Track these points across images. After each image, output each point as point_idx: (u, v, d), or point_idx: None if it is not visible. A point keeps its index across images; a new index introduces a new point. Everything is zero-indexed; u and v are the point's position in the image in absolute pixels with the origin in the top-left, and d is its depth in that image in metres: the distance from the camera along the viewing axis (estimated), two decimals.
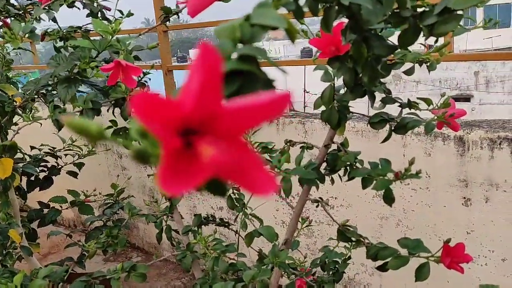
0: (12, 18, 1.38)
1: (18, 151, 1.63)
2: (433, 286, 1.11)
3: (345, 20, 0.60)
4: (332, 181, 0.94)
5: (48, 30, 1.27)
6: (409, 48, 0.76)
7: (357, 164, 0.87)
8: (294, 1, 0.35)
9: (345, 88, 0.80)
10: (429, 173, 1.47)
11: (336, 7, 0.50)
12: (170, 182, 0.18)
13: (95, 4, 1.25)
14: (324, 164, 0.94)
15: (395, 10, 0.55)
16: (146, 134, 0.18)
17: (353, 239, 0.93)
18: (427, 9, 0.54)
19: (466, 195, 1.42)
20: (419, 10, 0.57)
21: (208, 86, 0.18)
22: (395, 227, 1.61)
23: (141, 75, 1.36)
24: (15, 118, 1.41)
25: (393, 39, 0.68)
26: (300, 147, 1.00)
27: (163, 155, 0.19)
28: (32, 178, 1.75)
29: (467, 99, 12.18)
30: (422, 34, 0.59)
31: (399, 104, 0.92)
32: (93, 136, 0.21)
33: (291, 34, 0.33)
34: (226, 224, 1.32)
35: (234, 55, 0.30)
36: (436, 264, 0.81)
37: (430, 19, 0.53)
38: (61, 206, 1.76)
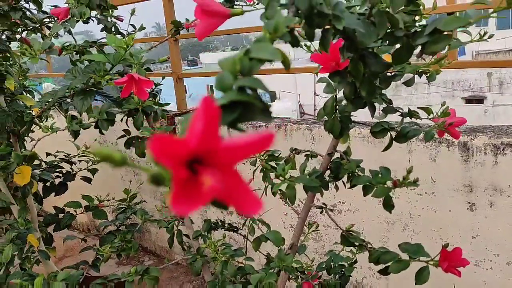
0: (29, 31, 1.44)
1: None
2: None
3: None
4: (336, 187, 0.98)
5: (65, 45, 1.33)
6: None
7: (359, 172, 0.91)
8: (289, 32, 0.40)
9: None
10: (434, 178, 1.49)
11: (333, 30, 0.54)
12: (180, 204, 0.23)
13: (109, 19, 1.31)
14: (328, 172, 0.98)
15: (389, 30, 0.59)
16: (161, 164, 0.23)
17: (356, 243, 0.97)
18: (418, 30, 0.58)
19: (471, 200, 1.45)
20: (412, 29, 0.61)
21: (208, 129, 0.23)
22: (401, 231, 1.64)
23: (153, 86, 1.41)
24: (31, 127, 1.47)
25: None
26: (305, 155, 1.04)
27: (173, 182, 0.23)
28: (48, 184, 1.82)
29: (480, 100, 12.07)
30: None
31: (400, 113, 0.96)
32: (117, 162, 0.25)
33: (286, 64, 0.37)
34: (235, 229, 1.37)
35: (237, 84, 0.34)
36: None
37: (421, 39, 0.56)
38: (75, 211, 1.82)
